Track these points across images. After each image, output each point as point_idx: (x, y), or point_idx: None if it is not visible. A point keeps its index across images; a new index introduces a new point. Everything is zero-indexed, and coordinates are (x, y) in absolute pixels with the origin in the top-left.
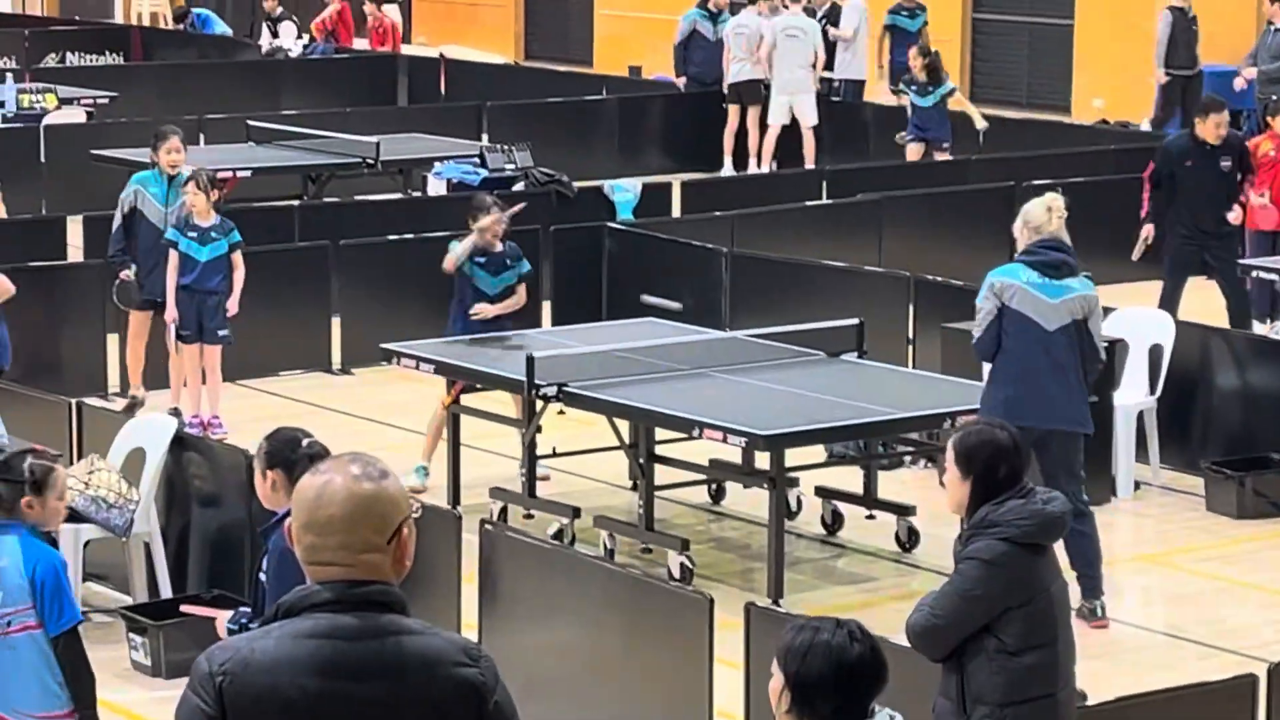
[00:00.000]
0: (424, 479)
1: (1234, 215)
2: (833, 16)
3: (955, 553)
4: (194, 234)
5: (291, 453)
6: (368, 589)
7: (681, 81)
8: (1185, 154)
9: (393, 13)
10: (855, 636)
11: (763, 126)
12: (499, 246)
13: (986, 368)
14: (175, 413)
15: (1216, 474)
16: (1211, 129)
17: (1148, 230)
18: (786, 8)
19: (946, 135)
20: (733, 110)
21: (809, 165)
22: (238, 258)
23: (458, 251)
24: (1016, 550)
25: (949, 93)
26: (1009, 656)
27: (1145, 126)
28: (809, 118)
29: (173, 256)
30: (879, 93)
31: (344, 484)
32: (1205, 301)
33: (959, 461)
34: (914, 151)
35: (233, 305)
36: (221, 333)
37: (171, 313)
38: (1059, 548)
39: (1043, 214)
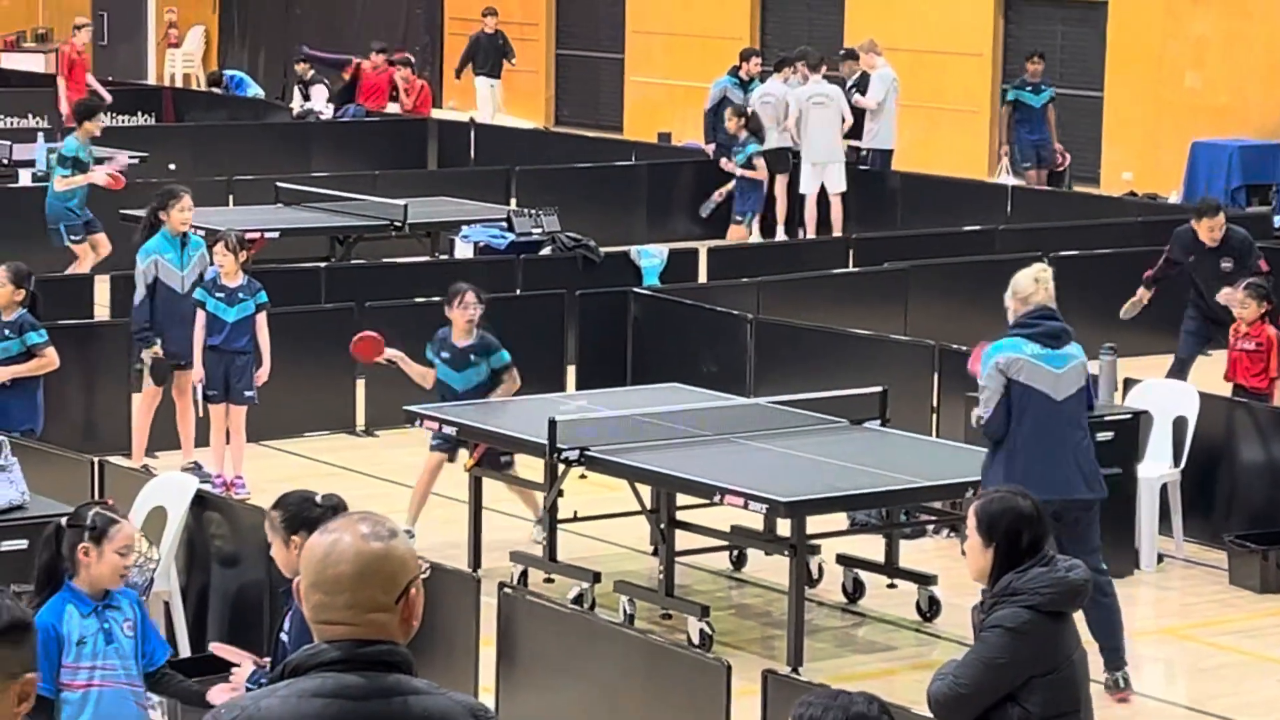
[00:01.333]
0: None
1: (1222, 294)
2: (862, 85)
3: (974, 621)
4: (221, 294)
5: (309, 512)
6: (375, 648)
7: (711, 148)
8: (1188, 248)
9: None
10: (884, 708)
11: (790, 194)
12: (469, 339)
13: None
14: (196, 467)
15: (1240, 548)
16: (1205, 232)
17: (1142, 293)
18: (808, 77)
19: (749, 205)
20: None
21: (837, 233)
22: (261, 319)
23: (412, 374)
24: (1040, 618)
25: (750, 158)
26: None
27: (1174, 199)
28: (837, 185)
29: (200, 316)
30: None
31: (352, 542)
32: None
33: (980, 529)
34: (735, 233)
35: (262, 375)
36: (248, 393)
37: (198, 373)
38: (1079, 617)
39: (1030, 284)
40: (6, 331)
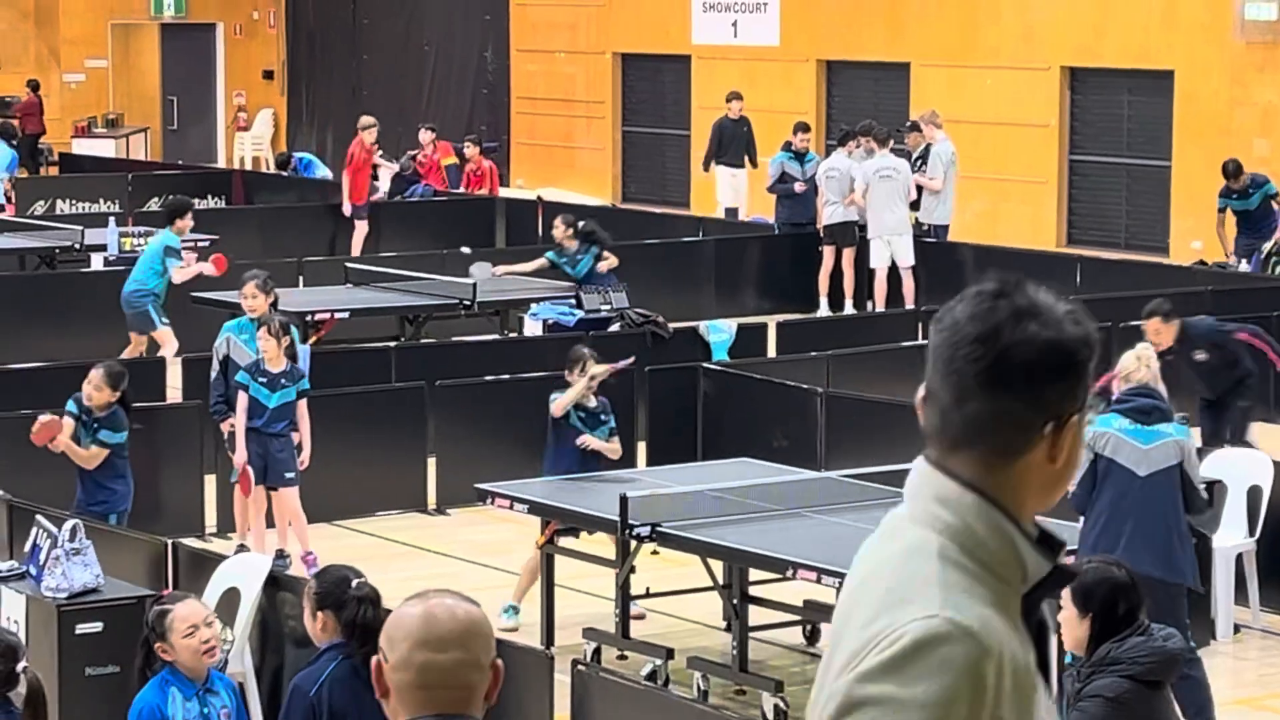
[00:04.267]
0: (514, 619)
1: None
2: (927, 158)
3: (1065, 690)
4: (263, 379)
5: (342, 593)
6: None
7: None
8: None
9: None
10: None
11: (858, 268)
12: (593, 402)
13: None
14: (281, 554)
15: None
16: None
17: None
18: (873, 150)
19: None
20: (827, 251)
21: (909, 305)
22: (303, 406)
23: (568, 397)
24: (1139, 688)
25: (597, 255)
26: None
27: (1243, 268)
28: (906, 258)
29: (241, 399)
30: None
31: (455, 603)
32: None
33: (1076, 600)
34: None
35: (303, 461)
36: (288, 474)
37: (240, 455)
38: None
39: (1132, 363)
40: (96, 425)
